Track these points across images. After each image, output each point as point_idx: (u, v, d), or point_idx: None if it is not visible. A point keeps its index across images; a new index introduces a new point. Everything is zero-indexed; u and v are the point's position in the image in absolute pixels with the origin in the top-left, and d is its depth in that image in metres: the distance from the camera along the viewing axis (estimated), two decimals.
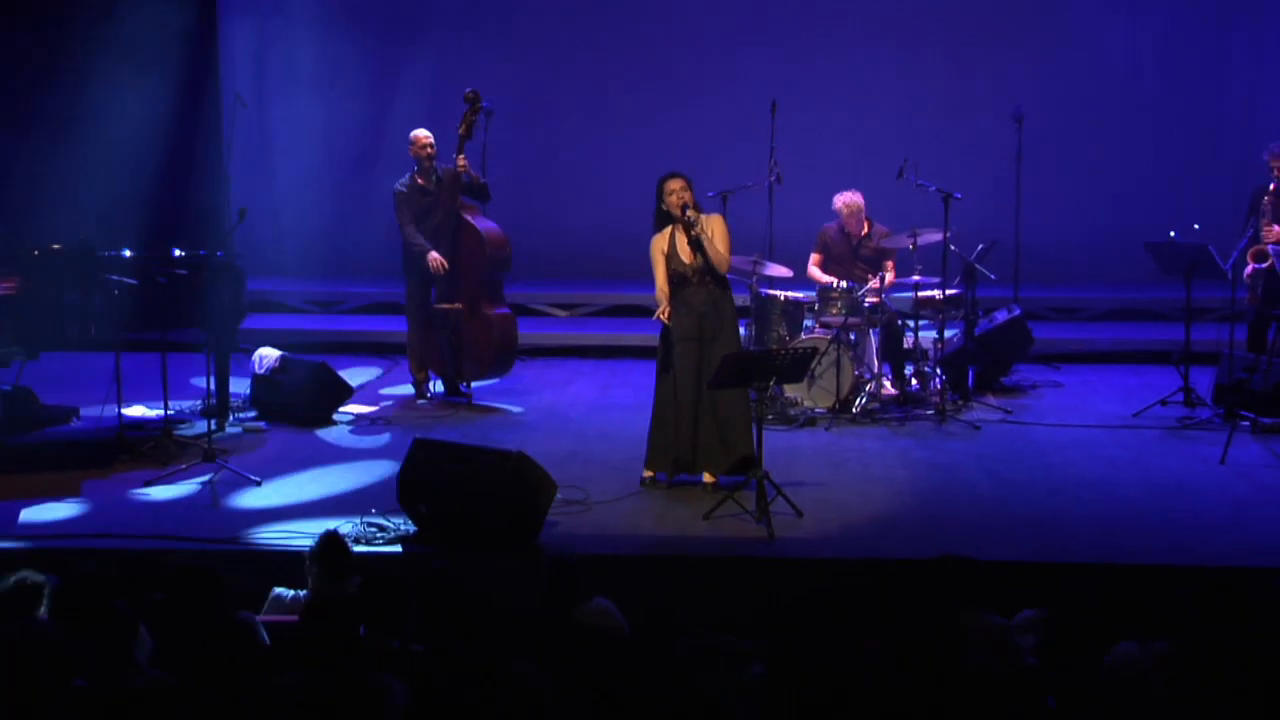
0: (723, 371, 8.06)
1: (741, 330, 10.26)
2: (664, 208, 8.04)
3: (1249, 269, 9.70)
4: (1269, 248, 9.53)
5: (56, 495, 8.03)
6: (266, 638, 5.46)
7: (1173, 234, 9.90)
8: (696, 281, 8.06)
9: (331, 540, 6.12)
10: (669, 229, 8.06)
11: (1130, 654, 5.22)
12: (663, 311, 8.04)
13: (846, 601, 5.55)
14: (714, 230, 8.04)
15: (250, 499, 7.99)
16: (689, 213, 7.93)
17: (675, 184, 8.00)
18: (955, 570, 5.65)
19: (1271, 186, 9.60)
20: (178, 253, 9.27)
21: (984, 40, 12.93)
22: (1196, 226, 9.92)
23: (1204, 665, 4.81)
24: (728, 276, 8.25)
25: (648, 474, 8.22)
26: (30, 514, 7.71)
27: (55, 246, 8.78)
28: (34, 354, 8.77)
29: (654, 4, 13.14)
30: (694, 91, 12.99)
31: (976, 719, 4.52)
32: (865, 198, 10.12)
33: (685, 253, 8.04)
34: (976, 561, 5.74)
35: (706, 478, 8.13)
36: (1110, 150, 12.92)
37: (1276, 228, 9.49)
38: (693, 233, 7.96)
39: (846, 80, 12.94)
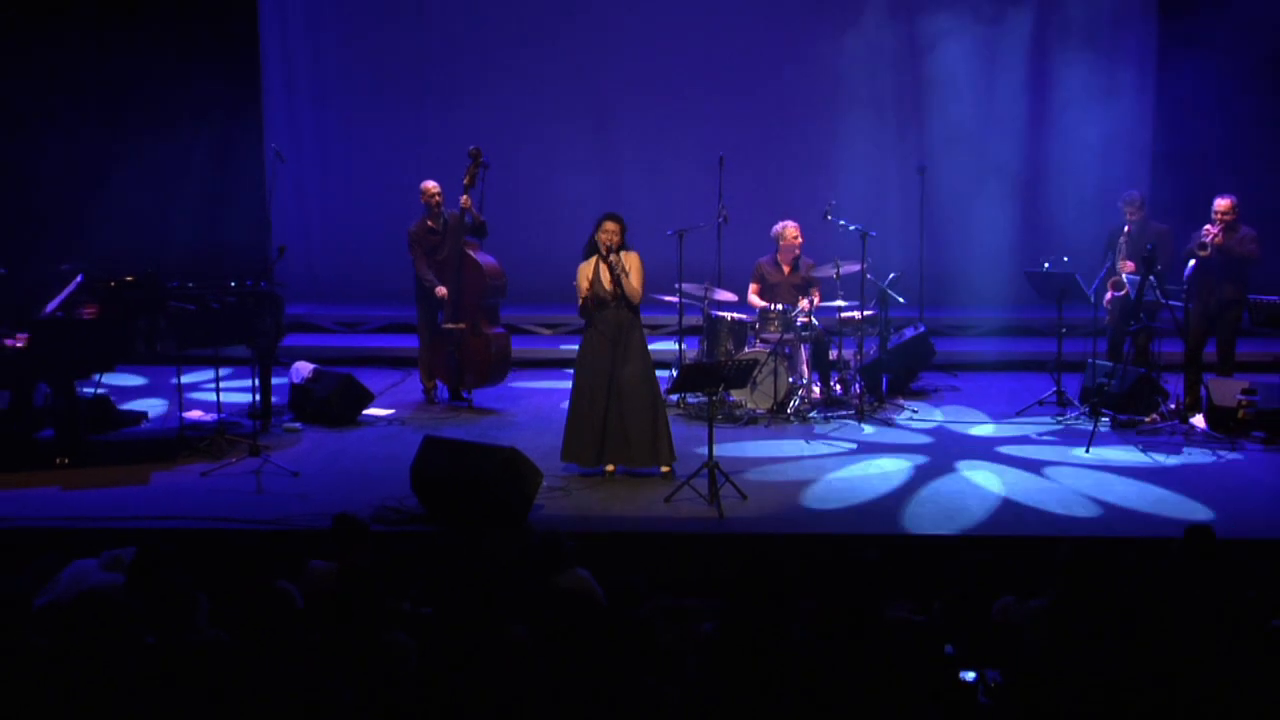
0: (681, 379, 8.06)
1: (693, 346, 10.35)
2: (596, 240, 8.02)
3: (1108, 295, 9.76)
4: (1124, 277, 9.61)
5: (130, 484, 8.01)
6: (301, 601, 5.43)
7: (1046, 265, 9.94)
8: (614, 306, 8.04)
9: (348, 520, 6.07)
10: (594, 259, 8.03)
11: (1009, 607, 5.25)
12: (583, 294, 7.99)
13: (784, 569, 5.55)
14: (631, 266, 7.99)
15: (289, 487, 7.95)
16: (612, 256, 7.92)
17: (611, 225, 7.97)
18: None
19: (1126, 228, 9.67)
20: (230, 283, 9.24)
21: (893, 108, 12.95)
22: (1066, 259, 9.97)
23: (1073, 617, 4.83)
24: (675, 298, 8.23)
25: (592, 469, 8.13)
26: (108, 499, 7.67)
27: (128, 279, 8.71)
28: (110, 367, 8.72)
29: (625, 76, 13.12)
30: (658, 148, 12.97)
31: (890, 665, 4.53)
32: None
33: (606, 282, 8.01)
34: None
35: (609, 468, 8.11)
36: (995, 196, 12.92)
37: (1130, 262, 9.56)
38: (615, 272, 7.95)
39: (781, 140, 12.95)
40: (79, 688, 4.24)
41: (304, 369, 9.81)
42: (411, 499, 7.42)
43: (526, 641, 4.60)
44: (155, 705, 4.37)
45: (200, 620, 5.03)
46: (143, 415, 9.38)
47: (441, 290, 9.76)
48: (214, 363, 8.86)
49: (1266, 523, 7.28)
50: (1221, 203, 9.27)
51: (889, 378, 10.33)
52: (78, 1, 12.08)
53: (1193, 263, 9.25)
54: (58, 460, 8.28)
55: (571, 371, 8.33)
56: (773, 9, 12.88)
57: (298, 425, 9.42)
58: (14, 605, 4.59)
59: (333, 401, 9.52)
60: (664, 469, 8.08)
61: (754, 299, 10.14)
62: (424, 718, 4.28)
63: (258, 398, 9.10)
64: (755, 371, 9.06)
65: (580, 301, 8.04)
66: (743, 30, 12.88)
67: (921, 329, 10.72)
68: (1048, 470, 8.30)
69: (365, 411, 9.69)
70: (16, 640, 4.43)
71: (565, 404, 8.38)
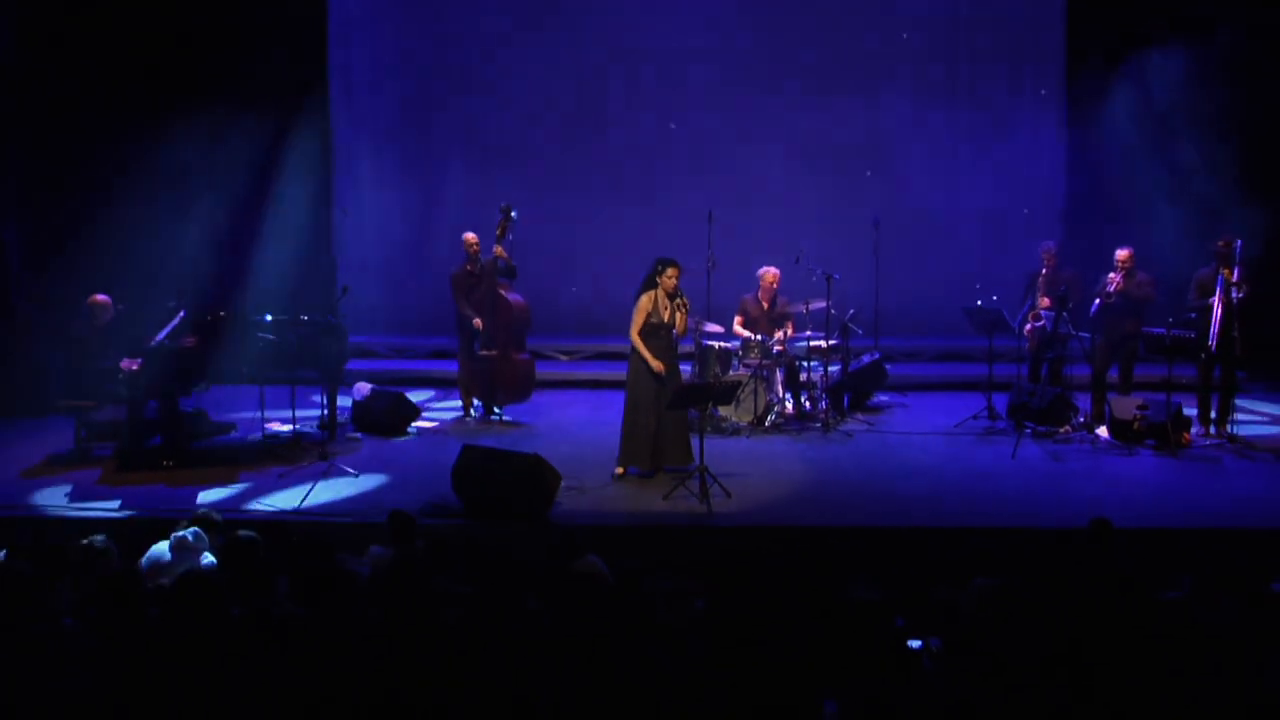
0: (677, 398, 8.12)
1: (686, 369, 10.41)
2: (657, 280, 8.07)
3: (1029, 327, 9.84)
4: (1041, 313, 9.69)
5: (222, 483, 8.08)
6: (367, 573, 5.46)
7: (979, 302, 10.02)
8: (666, 333, 8.14)
9: (401, 515, 6.13)
10: (653, 292, 8.09)
11: (950, 589, 5.30)
12: (658, 367, 8.04)
13: (763, 555, 5.58)
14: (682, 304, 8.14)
15: (351, 486, 8.02)
16: (683, 296, 8.04)
17: (676, 271, 8.07)
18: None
19: (1044, 271, 9.76)
20: (303, 317, 9.32)
21: (852, 170, 13.04)
22: (995, 298, 10.05)
23: (1005, 595, 4.88)
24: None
25: (619, 470, 8.22)
26: (206, 495, 7.77)
27: (221, 313, 8.83)
28: (206, 387, 8.81)
29: (631, 146, 13.20)
30: (657, 204, 13.02)
31: (850, 635, 4.58)
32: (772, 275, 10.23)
33: (665, 314, 8.10)
34: None
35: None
36: (936, 244, 13.01)
37: (1046, 300, 9.64)
38: (684, 310, 8.06)
39: (761, 197, 13.02)
40: (183, 651, 4.31)
41: (364, 388, 9.88)
42: (452, 497, 7.45)
43: (545, 616, 4.65)
44: (242, 667, 4.43)
45: (280, 596, 5.07)
46: (232, 425, 9.44)
47: (478, 322, 9.83)
48: (290, 383, 8.93)
49: (1155, 514, 7.38)
50: (1121, 253, 9.36)
51: (849, 396, 10.38)
52: (184, 85, 12.04)
53: (1098, 301, 9.35)
54: (164, 462, 8.38)
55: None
56: (751, 89, 13.02)
57: (358, 435, 9.48)
58: (132, 582, 4.65)
59: (387, 415, 9.59)
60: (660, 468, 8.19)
61: (738, 329, 10.22)
62: (464, 678, 4.33)
63: (326, 412, 9.17)
64: (739, 391, 9.14)
65: (639, 328, 8.07)
66: (728, 105, 13.02)
67: (877, 356, 10.78)
68: (980, 473, 8.34)
69: (413, 424, 9.75)
70: (135, 611, 4.50)
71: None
